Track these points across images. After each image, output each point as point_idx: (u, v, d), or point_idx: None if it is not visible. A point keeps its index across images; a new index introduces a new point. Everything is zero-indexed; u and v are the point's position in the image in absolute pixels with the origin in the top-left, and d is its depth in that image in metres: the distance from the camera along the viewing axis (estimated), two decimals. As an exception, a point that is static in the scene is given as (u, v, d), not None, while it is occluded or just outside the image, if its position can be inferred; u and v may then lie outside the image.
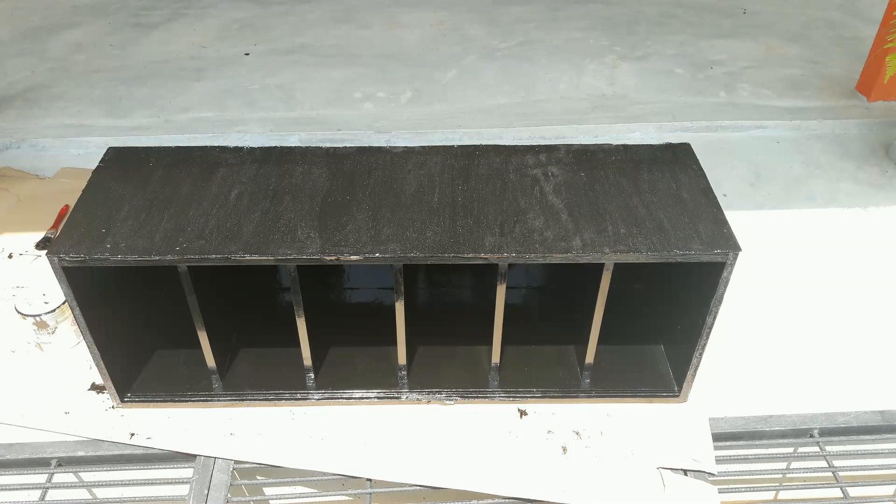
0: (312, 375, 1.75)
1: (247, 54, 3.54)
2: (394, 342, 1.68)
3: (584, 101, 3.13)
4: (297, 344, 1.68)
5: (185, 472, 1.62)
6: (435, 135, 2.87)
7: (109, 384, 1.67)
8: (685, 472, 1.61)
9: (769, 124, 2.92)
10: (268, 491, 1.70)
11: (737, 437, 1.72)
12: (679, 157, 1.70)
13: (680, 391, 1.73)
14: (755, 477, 1.72)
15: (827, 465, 1.67)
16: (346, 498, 1.82)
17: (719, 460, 1.64)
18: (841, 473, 1.65)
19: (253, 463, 1.62)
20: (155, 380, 1.76)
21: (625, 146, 1.74)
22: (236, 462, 1.62)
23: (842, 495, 1.62)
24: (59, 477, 1.67)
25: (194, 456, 1.64)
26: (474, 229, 1.50)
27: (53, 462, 1.64)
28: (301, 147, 1.74)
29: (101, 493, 1.73)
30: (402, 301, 1.57)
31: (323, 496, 1.79)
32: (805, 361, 1.89)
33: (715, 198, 1.58)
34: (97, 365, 1.61)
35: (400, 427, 1.70)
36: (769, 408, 1.76)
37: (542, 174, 1.65)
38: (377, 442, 1.66)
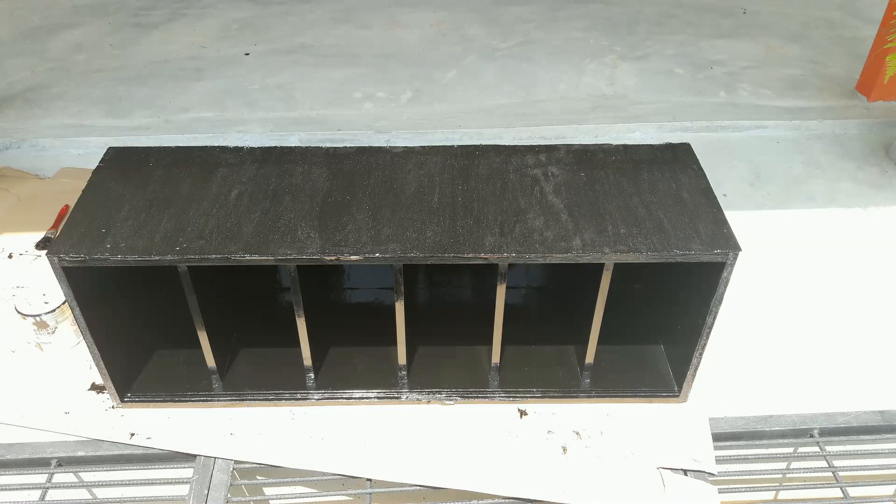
0: (312, 375, 1.75)
1: (247, 54, 3.54)
2: (394, 342, 1.68)
3: (584, 101, 3.13)
4: (297, 344, 1.68)
5: (185, 472, 1.62)
6: (435, 135, 2.87)
7: (109, 384, 1.67)
8: (685, 472, 1.61)
9: (769, 124, 2.92)
10: (268, 491, 1.70)
11: (737, 437, 1.72)
12: (679, 157, 1.70)
13: (680, 391, 1.73)
14: (755, 477, 1.72)
15: (827, 465, 1.67)
16: (346, 498, 1.82)
17: (719, 460, 1.64)
18: (841, 473, 1.65)
19: (253, 463, 1.62)
20: (155, 380, 1.76)
21: (625, 146, 1.74)
22: (236, 462, 1.62)
23: (842, 495, 1.62)
24: (59, 477, 1.67)
25: (194, 456, 1.64)
26: (474, 229, 1.50)
27: (53, 462, 1.64)
28: (301, 147, 1.74)
29: (101, 493, 1.73)
30: (402, 301, 1.57)
31: (323, 496, 1.79)
32: (805, 361, 1.89)
33: (715, 198, 1.58)
34: (97, 365, 1.61)
35: (400, 427, 1.70)
36: (769, 408, 1.76)
37: (542, 174, 1.65)
38: (377, 442, 1.66)
